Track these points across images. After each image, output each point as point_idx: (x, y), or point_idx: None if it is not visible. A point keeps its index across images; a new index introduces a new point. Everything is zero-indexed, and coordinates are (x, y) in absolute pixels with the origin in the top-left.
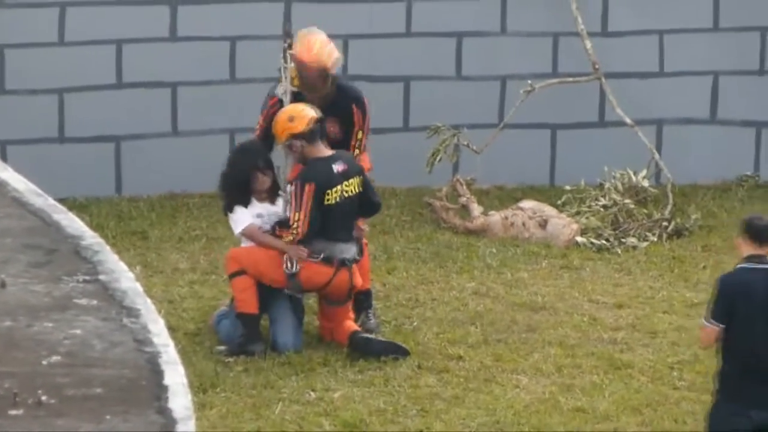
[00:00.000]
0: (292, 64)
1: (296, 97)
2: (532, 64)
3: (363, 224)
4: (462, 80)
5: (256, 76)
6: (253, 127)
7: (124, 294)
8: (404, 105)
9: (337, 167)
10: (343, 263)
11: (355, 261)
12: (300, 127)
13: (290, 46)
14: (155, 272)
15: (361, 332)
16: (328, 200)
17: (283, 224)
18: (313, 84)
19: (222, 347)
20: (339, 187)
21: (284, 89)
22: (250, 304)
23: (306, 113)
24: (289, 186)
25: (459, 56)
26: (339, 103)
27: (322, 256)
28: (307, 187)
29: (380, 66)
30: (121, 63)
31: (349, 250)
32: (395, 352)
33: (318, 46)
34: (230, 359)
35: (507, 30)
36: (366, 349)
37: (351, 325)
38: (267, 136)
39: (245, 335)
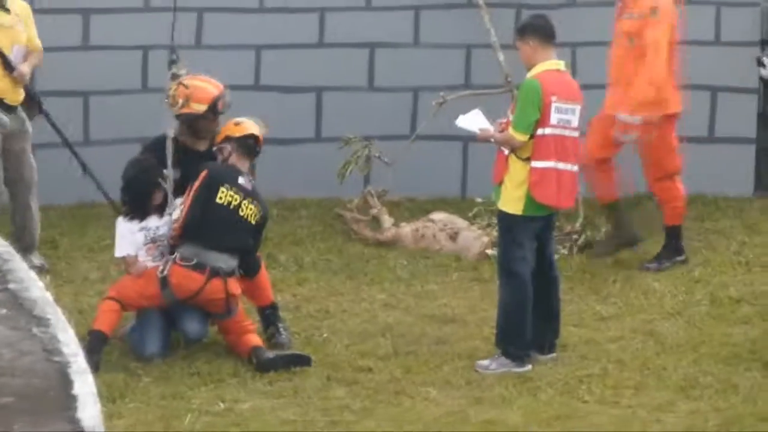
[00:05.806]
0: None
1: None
2: (445, 76)
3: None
4: (374, 91)
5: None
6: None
7: (33, 303)
8: (316, 115)
9: (244, 181)
10: (217, 273)
11: (233, 274)
12: (238, 133)
13: (175, 63)
14: (65, 282)
15: (262, 351)
16: (220, 198)
17: (156, 240)
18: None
19: None
20: (236, 195)
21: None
22: (105, 324)
23: (251, 126)
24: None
25: (371, 67)
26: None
27: (194, 261)
28: (201, 174)
29: (292, 76)
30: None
31: (225, 261)
32: (298, 363)
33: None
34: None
35: (420, 42)
36: (271, 369)
37: (251, 339)
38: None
39: (87, 347)
